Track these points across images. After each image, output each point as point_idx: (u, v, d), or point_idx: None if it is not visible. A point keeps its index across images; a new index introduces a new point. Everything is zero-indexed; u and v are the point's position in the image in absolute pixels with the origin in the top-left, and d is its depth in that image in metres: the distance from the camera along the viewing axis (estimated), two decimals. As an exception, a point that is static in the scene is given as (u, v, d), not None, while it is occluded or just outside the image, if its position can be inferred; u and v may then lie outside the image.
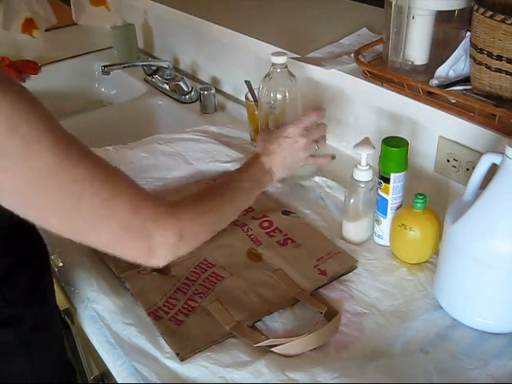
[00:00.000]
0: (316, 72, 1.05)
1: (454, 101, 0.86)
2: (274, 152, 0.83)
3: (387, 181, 0.79)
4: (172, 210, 0.64)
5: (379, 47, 1.03)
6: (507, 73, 0.78)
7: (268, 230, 0.88)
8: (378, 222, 0.84)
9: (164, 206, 0.63)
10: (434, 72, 0.89)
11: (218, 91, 1.37)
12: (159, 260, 0.63)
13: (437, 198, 0.83)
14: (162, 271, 0.80)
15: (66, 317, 0.88)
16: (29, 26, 1.41)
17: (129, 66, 1.45)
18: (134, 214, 0.59)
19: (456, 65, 0.88)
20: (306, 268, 0.79)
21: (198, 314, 0.73)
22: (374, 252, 0.84)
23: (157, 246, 0.61)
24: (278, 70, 0.95)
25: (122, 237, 0.60)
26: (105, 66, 1.40)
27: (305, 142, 0.84)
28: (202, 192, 0.74)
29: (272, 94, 0.96)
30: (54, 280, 0.88)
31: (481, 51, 0.80)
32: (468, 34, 0.85)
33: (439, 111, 0.86)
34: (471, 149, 0.85)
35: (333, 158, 0.91)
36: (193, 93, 1.37)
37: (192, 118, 1.31)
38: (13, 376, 0.73)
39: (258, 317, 0.72)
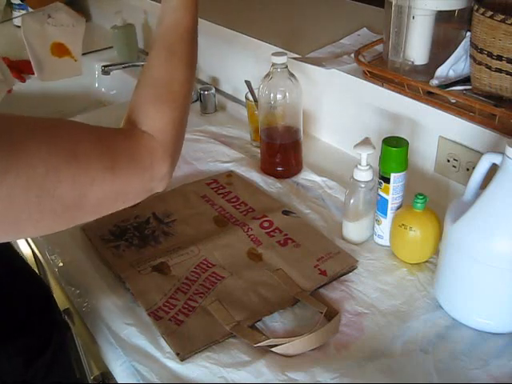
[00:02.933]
0: (316, 72, 1.05)
1: (454, 101, 0.86)
2: None
3: (387, 181, 0.79)
4: (159, 148, 0.60)
5: (379, 47, 1.03)
6: (507, 73, 0.78)
7: (268, 230, 0.88)
8: (378, 221, 0.84)
9: (152, 152, 0.59)
10: (434, 72, 0.89)
11: (218, 91, 1.37)
12: (162, 183, 0.61)
13: (437, 198, 0.83)
14: (162, 271, 0.80)
15: (66, 317, 0.88)
16: None
17: (129, 66, 1.45)
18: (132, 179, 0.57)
19: (456, 65, 0.89)
20: (306, 268, 0.79)
21: (198, 313, 0.73)
22: (374, 252, 0.84)
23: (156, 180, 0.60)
24: (278, 70, 0.95)
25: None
26: (105, 66, 1.40)
27: None
28: (158, 89, 0.65)
29: (272, 94, 0.96)
30: (55, 280, 0.88)
31: (481, 51, 0.80)
32: (468, 34, 0.85)
33: (439, 111, 0.86)
34: (471, 149, 0.85)
35: None
36: (193, 93, 1.37)
37: (192, 118, 1.30)
38: None
39: (258, 317, 0.72)
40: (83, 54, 1.65)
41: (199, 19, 0.69)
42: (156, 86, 0.64)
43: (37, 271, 1.12)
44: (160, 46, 0.67)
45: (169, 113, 0.62)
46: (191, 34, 0.68)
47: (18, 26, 1.82)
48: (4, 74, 1.16)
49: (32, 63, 1.23)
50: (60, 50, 1.23)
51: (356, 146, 0.82)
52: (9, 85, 1.16)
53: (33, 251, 1.04)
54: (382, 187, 0.81)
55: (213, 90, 1.30)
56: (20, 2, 1.78)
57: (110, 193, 0.55)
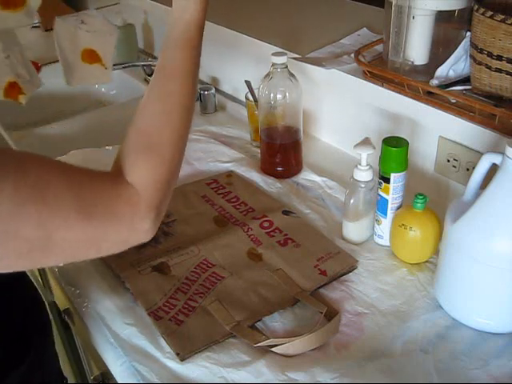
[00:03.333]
0: (316, 72, 1.05)
1: (454, 101, 0.86)
2: None
3: (387, 181, 0.79)
4: (141, 204, 0.56)
5: (379, 47, 1.03)
6: (507, 73, 0.78)
7: (268, 230, 0.88)
8: (378, 221, 0.84)
9: (135, 208, 0.56)
10: (434, 72, 0.89)
11: (218, 91, 1.37)
12: (145, 236, 0.58)
13: (437, 198, 0.83)
14: (163, 271, 0.80)
15: (66, 317, 0.88)
16: (13, 90, 1.14)
17: (129, 66, 1.45)
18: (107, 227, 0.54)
19: (456, 65, 0.89)
20: (306, 268, 0.79)
21: (198, 313, 0.73)
22: (374, 252, 0.84)
23: (138, 234, 0.58)
24: (278, 70, 0.95)
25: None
26: (105, 66, 1.40)
27: None
28: (151, 139, 0.60)
29: (272, 94, 0.96)
30: (55, 280, 0.88)
31: (481, 51, 0.80)
32: (468, 34, 0.85)
33: (439, 111, 0.86)
34: (471, 149, 0.85)
35: None
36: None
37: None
38: None
39: (258, 317, 0.72)
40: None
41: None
42: (145, 134, 0.60)
43: (37, 273, 1.12)
44: (155, 87, 0.63)
45: (155, 166, 0.59)
46: (190, 78, 0.64)
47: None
48: (31, 74, 1.16)
49: (62, 67, 1.22)
50: (91, 56, 1.22)
51: (356, 145, 0.82)
52: (36, 85, 1.17)
53: (33, 251, 1.04)
54: (382, 187, 0.81)
55: (213, 90, 1.30)
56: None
57: (80, 239, 0.53)
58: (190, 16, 0.64)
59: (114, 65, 1.41)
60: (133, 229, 0.57)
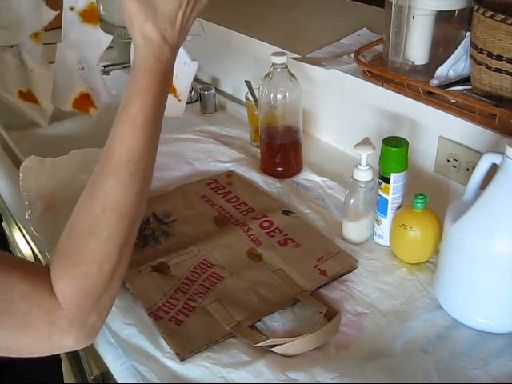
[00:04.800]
0: (316, 72, 1.05)
1: (454, 101, 0.86)
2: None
3: (387, 181, 0.79)
4: (66, 312, 0.52)
5: (379, 47, 1.03)
6: (507, 73, 0.78)
7: (268, 230, 0.88)
8: (378, 221, 0.84)
9: (58, 316, 0.52)
10: (434, 72, 0.89)
11: (218, 91, 1.37)
12: (73, 348, 0.54)
13: (437, 198, 0.83)
14: (163, 271, 0.80)
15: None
16: (84, 102, 1.13)
17: (129, 66, 1.45)
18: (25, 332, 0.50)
19: (456, 65, 0.89)
20: (306, 268, 0.79)
21: (198, 313, 0.73)
22: (374, 252, 0.84)
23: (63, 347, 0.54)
24: (278, 70, 0.95)
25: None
26: (105, 66, 1.40)
27: None
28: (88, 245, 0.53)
29: (272, 94, 0.96)
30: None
31: (481, 51, 0.80)
32: (468, 34, 0.86)
33: (439, 111, 0.86)
34: (471, 149, 0.85)
35: None
36: (193, 93, 1.37)
37: (192, 118, 1.31)
38: None
39: (258, 317, 0.72)
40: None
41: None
42: (72, 239, 0.54)
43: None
44: (92, 177, 0.55)
45: (78, 280, 0.53)
46: (134, 176, 0.55)
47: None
48: (103, 88, 1.13)
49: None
50: None
51: (356, 145, 0.82)
52: (106, 100, 1.14)
53: (33, 251, 1.04)
54: (382, 187, 0.81)
55: (213, 90, 1.30)
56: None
57: None
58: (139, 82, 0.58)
59: (114, 65, 1.42)
60: (52, 344, 0.53)
